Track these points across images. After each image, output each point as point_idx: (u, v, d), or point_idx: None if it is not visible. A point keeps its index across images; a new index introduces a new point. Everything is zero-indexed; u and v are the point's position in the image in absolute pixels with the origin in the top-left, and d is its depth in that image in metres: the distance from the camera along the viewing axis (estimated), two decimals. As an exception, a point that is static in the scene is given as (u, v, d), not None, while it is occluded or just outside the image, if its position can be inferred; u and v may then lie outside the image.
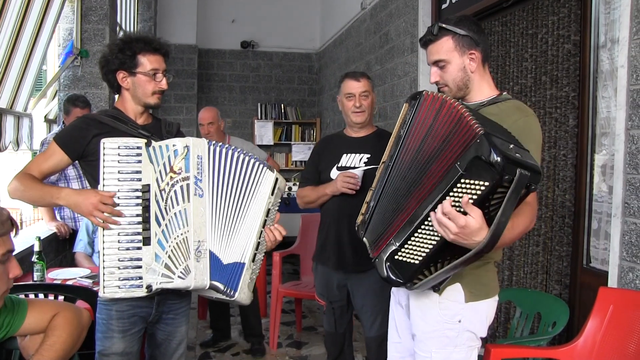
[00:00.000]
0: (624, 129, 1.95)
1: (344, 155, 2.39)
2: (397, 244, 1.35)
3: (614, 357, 1.82)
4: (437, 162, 1.30)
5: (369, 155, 2.34)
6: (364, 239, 1.53)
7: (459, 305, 1.47)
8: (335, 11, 6.22)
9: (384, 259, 1.38)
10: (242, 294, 1.61)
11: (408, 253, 1.34)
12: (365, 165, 2.32)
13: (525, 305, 2.31)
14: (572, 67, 2.32)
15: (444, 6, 3.57)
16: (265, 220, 1.66)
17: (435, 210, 1.25)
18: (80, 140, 1.69)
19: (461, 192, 1.21)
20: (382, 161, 1.55)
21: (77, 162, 1.75)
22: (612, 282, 2.00)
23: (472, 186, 1.20)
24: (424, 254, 1.31)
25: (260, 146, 5.87)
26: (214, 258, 1.58)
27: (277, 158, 6.99)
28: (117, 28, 4.33)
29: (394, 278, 1.36)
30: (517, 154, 1.19)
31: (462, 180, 1.20)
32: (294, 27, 7.05)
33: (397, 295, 1.68)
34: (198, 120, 3.43)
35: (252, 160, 1.66)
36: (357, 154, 2.37)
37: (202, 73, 6.94)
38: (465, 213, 1.20)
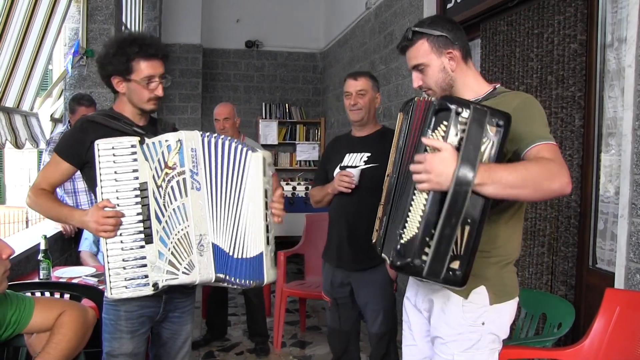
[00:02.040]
0: (631, 129, 1.94)
1: (347, 154, 2.44)
2: (400, 229, 1.28)
3: (621, 359, 1.81)
4: None
5: (369, 154, 2.37)
6: (383, 254, 1.47)
7: (484, 308, 1.45)
8: (339, 11, 6.21)
9: (392, 248, 1.31)
10: (270, 276, 1.59)
11: (408, 227, 1.26)
12: (365, 164, 2.36)
13: (530, 306, 2.30)
14: (579, 66, 2.31)
15: (449, 6, 3.55)
16: (266, 202, 1.59)
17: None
18: (79, 147, 1.68)
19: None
20: (387, 174, 1.52)
21: None
22: (619, 283, 1.99)
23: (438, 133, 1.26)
24: (419, 219, 1.23)
25: (264, 146, 5.86)
26: (218, 251, 1.57)
27: (282, 157, 7.00)
28: (123, 28, 4.34)
29: (407, 260, 1.24)
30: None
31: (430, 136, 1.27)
32: (298, 27, 7.05)
33: (414, 298, 1.65)
34: (214, 115, 3.42)
35: (239, 146, 1.58)
36: (359, 153, 2.41)
37: (207, 72, 6.94)
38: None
